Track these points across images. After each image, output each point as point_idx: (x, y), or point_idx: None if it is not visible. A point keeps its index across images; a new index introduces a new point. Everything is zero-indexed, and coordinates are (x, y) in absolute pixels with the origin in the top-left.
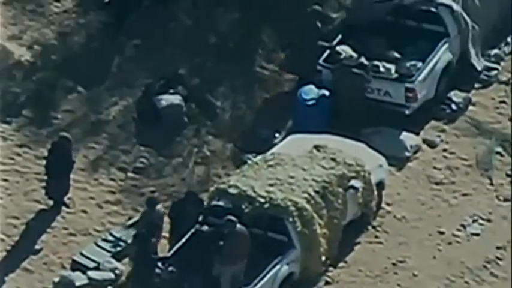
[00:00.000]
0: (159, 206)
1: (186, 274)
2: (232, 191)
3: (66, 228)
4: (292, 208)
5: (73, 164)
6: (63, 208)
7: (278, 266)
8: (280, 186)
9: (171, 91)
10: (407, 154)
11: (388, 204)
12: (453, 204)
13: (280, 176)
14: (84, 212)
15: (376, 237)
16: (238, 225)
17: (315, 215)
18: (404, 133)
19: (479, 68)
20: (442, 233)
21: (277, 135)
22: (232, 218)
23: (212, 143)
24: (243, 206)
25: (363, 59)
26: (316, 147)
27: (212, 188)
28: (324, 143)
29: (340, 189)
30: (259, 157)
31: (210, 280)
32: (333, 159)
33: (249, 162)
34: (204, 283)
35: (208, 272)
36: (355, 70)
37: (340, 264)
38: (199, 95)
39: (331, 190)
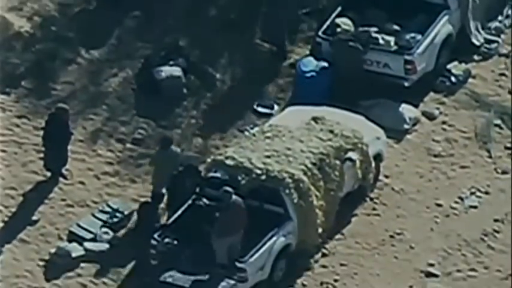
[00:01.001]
0: (173, 147)
1: (182, 246)
2: (229, 162)
3: (63, 200)
4: (289, 180)
5: (71, 135)
6: (61, 179)
7: (274, 238)
8: (277, 158)
9: (171, 63)
10: (406, 126)
11: (386, 177)
12: (451, 176)
13: (278, 147)
14: (82, 183)
15: (374, 209)
16: (234, 197)
17: (311, 186)
18: (403, 105)
19: (478, 44)
20: (439, 205)
21: (276, 107)
22: (229, 189)
23: (211, 114)
24: (240, 178)
25: (372, 30)
26: (314, 119)
27: (209, 160)
28: (322, 115)
29: (337, 161)
30: (256, 129)
31: (206, 252)
32: (331, 131)
33: (247, 133)
34: (200, 255)
35: (204, 243)
36: (351, 43)
37: (337, 236)
38: (199, 67)
39: (328, 162)
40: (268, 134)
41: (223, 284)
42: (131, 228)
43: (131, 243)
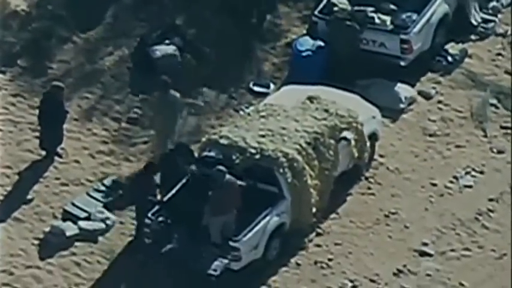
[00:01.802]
0: (172, 91)
1: (176, 224)
2: (223, 141)
3: (58, 178)
4: (283, 159)
5: (66, 114)
6: (56, 158)
7: (268, 217)
8: (271, 137)
9: (167, 41)
10: (402, 106)
11: (381, 156)
12: (446, 156)
13: (272, 127)
14: (77, 161)
15: (369, 188)
16: (228, 176)
17: (306, 166)
18: (399, 85)
19: (475, 23)
20: (434, 184)
21: (272, 86)
22: (222, 168)
23: (206, 93)
24: (234, 157)
25: (368, 9)
26: (310, 98)
27: (203, 139)
28: (318, 94)
29: (332, 141)
30: (251, 108)
31: (200, 231)
32: (326, 111)
33: (241, 113)
34: (194, 233)
35: (198, 222)
36: (348, 22)
37: (332, 216)
38: (195, 46)
39: (322, 141)
40: (263, 113)
41: (216, 263)
42: (126, 205)
43: (125, 221)
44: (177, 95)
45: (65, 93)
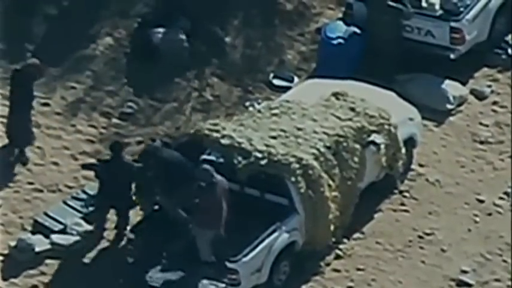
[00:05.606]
0: None
1: (163, 239)
2: (224, 142)
3: (31, 183)
4: (296, 165)
5: (32, 99)
6: (27, 158)
7: (276, 234)
8: (283, 139)
9: (172, 23)
10: (450, 106)
11: (421, 166)
12: (498, 167)
13: (285, 127)
14: (55, 164)
15: (402, 204)
16: (217, 176)
17: (323, 174)
18: (447, 81)
19: None
20: (481, 201)
21: (296, 79)
22: (207, 166)
23: (217, 86)
24: (236, 161)
25: None
26: (335, 94)
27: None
28: (345, 90)
29: (358, 145)
30: (263, 104)
31: (190, 246)
32: (352, 109)
33: (251, 109)
34: (183, 250)
35: (187, 236)
36: (391, 3)
37: (355, 235)
38: (205, 29)
39: (346, 146)
40: (276, 111)
41: (210, 287)
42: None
43: (107, 236)
44: None
45: (46, 80)
